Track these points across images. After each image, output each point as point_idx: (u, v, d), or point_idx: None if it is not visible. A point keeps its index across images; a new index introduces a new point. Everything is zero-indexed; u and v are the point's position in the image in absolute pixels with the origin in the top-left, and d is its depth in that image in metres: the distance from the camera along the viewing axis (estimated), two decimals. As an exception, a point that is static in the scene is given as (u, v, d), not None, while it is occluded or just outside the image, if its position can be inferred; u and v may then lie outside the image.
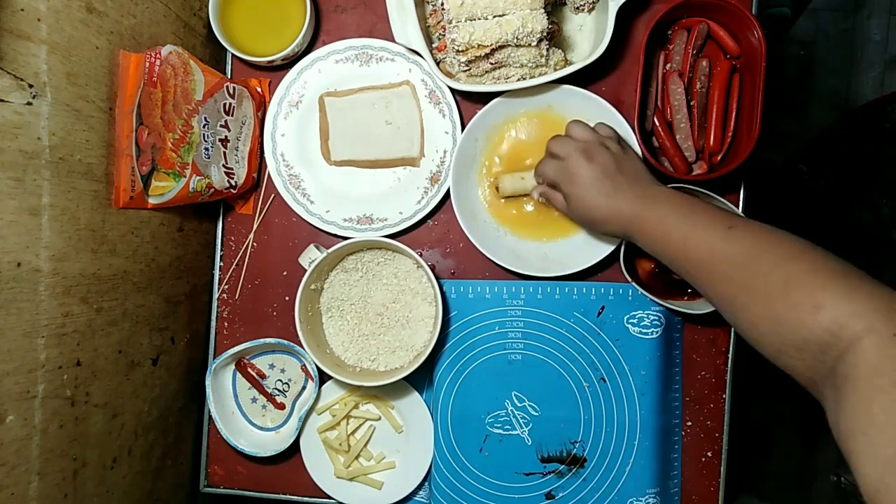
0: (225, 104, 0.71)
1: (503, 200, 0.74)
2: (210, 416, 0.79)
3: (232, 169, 0.74)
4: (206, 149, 0.70)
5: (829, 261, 0.45)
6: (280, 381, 0.79)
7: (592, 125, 0.65)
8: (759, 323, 0.46)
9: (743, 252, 0.49)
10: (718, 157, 0.72)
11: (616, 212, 0.58)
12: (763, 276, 0.46)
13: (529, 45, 0.66)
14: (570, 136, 0.63)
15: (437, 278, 0.71)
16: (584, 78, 0.72)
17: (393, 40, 0.71)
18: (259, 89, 0.77)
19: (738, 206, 0.74)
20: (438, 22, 0.72)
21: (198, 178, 0.69)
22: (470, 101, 0.76)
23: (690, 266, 0.53)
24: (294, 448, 0.77)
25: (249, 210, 0.80)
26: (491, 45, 0.65)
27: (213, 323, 0.81)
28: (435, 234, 0.78)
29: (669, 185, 0.68)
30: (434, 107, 0.75)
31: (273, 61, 0.73)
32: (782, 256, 0.47)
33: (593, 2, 0.73)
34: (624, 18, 0.72)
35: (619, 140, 0.64)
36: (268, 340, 0.76)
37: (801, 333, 0.43)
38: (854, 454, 0.37)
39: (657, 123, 0.72)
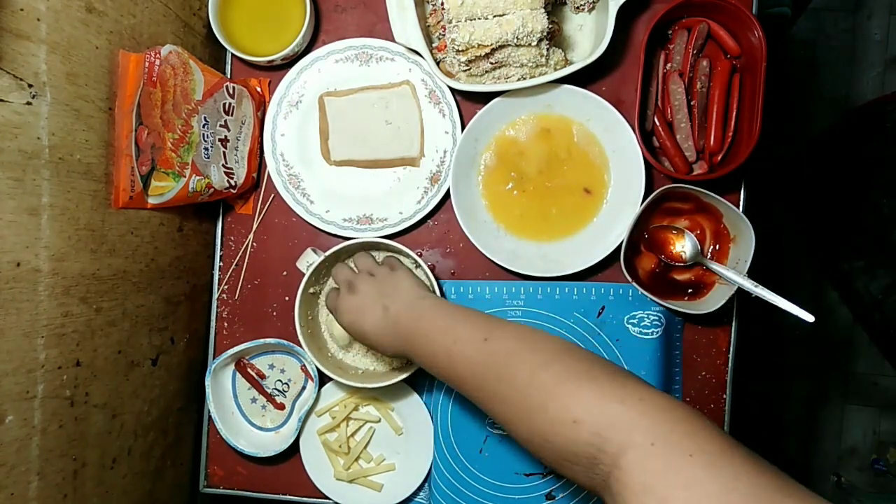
0: (224, 104, 0.71)
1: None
2: (210, 417, 0.79)
3: (231, 169, 0.74)
4: (206, 149, 0.70)
5: (580, 363, 0.45)
6: (280, 381, 0.79)
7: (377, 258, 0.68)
8: (530, 438, 0.45)
9: (500, 366, 0.48)
10: (719, 157, 0.72)
11: (385, 335, 0.58)
12: (522, 391, 0.45)
13: (529, 44, 0.66)
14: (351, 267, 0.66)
15: (437, 278, 0.71)
16: (585, 78, 0.72)
17: (393, 40, 0.71)
18: (259, 89, 0.77)
19: (738, 206, 0.74)
20: (438, 21, 0.72)
21: (197, 177, 0.69)
22: (470, 101, 0.76)
23: (461, 383, 0.51)
24: (294, 449, 0.77)
25: (249, 210, 0.80)
26: (491, 44, 0.65)
27: (213, 323, 0.81)
28: (435, 234, 0.78)
29: (668, 187, 0.68)
30: (434, 106, 0.75)
31: (273, 61, 0.73)
32: (535, 366, 0.46)
33: (593, 1, 0.73)
34: (624, 18, 0.72)
35: (394, 264, 0.65)
36: (267, 341, 0.76)
37: (568, 448, 0.42)
38: None
39: (657, 123, 0.72)
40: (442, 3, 0.66)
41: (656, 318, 0.73)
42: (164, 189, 0.66)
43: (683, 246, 0.71)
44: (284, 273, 0.79)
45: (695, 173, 0.72)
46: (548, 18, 0.65)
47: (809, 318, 0.64)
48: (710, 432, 0.38)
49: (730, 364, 0.76)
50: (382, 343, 0.59)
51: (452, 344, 0.52)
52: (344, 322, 0.62)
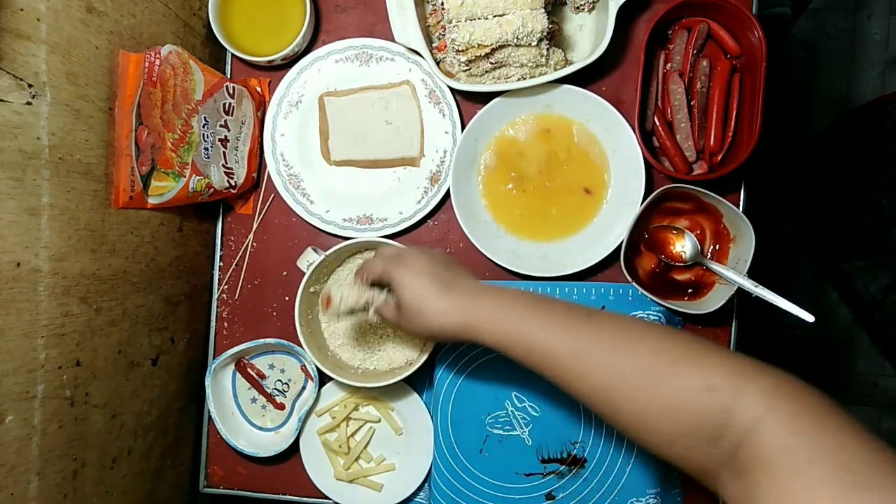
0: (224, 104, 0.71)
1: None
2: (210, 417, 0.79)
3: (231, 169, 0.74)
4: (206, 149, 0.70)
5: (704, 342, 0.43)
6: (280, 381, 0.79)
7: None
8: (646, 412, 0.42)
9: (615, 336, 0.45)
10: (719, 157, 0.72)
11: (454, 305, 0.51)
12: (648, 358, 0.43)
13: (529, 44, 0.66)
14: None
15: (437, 278, 0.71)
16: (585, 78, 0.72)
17: (393, 40, 0.71)
18: (259, 89, 0.77)
19: (738, 206, 0.74)
20: (438, 21, 0.72)
21: (197, 177, 0.69)
22: (470, 101, 0.76)
23: (556, 359, 0.47)
24: (294, 449, 0.77)
25: (249, 210, 0.80)
26: (491, 44, 0.65)
27: (213, 323, 0.81)
28: (435, 234, 0.78)
29: (668, 187, 0.68)
30: (434, 106, 0.75)
31: (273, 61, 0.73)
32: (658, 336, 0.44)
33: (593, 1, 0.73)
34: (624, 18, 0.72)
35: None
36: (267, 341, 0.76)
37: (694, 418, 0.40)
38: None
39: (657, 123, 0.72)
40: (442, 3, 0.66)
41: (656, 318, 0.73)
42: (164, 189, 0.66)
43: (683, 246, 0.71)
44: (284, 273, 0.79)
45: (695, 173, 0.72)
46: (548, 18, 0.65)
47: (809, 318, 0.64)
48: (845, 413, 0.37)
49: (730, 364, 0.76)
50: (442, 323, 0.52)
51: (550, 317, 0.48)
52: (406, 298, 0.53)
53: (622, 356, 0.44)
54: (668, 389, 0.41)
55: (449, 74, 0.71)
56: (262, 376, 0.79)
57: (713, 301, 0.69)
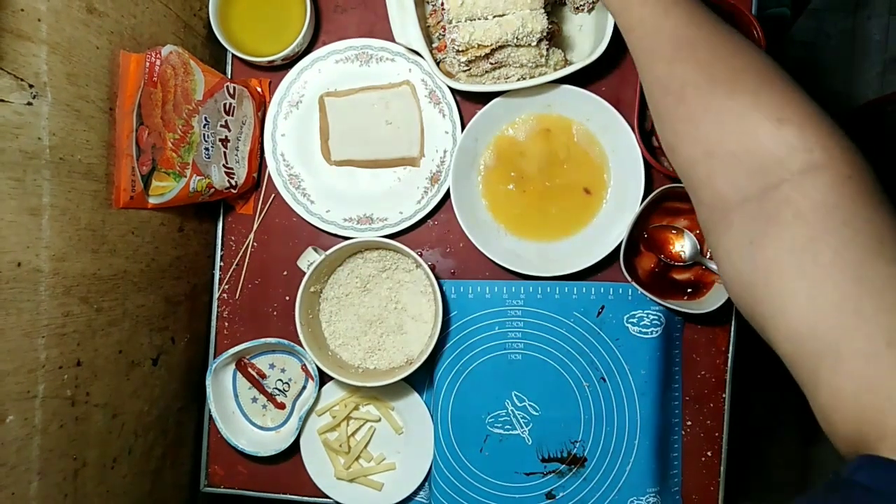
0: (225, 104, 0.71)
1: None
2: (210, 416, 0.79)
3: (232, 169, 0.74)
4: (207, 149, 0.70)
5: (798, 87, 0.42)
6: (280, 380, 0.79)
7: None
8: (708, 114, 0.40)
9: (716, 36, 0.43)
10: (718, 157, 0.72)
11: None
12: (734, 69, 0.41)
13: (529, 44, 0.66)
14: None
15: (437, 278, 0.71)
16: (584, 78, 0.72)
17: (393, 40, 0.71)
18: (259, 89, 0.77)
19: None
20: (438, 22, 0.72)
21: (198, 177, 0.69)
22: (470, 101, 0.76)
23: (659, 36, 0.45)
24: (294, 448, 0.77)
25: (250, 210, 0.80)
26: (491, 44, 0.65)
27: (214, 323, 0.81)
28: (435, 234, 0.78)
29: (667, 186, 0.68)
30: (434, 107, 0.75)
31: (273, 61, 0.73)
32: (755, 57, 0.42)
33: (593, 1, 0.73)
34: (624, 18, 0.72)
35: None
36: (268, 340, 0.76)
37: (750, 138, 0.38)
38: (786, 294, 0.34)
39: (657, 123, 0.72)
40: (442, 4, 0.66)
41: (656, 317, 0.73)
42: (164, 189, 0.66)
43: (683, 245, 0.71)
44: (285, 273, 0.80)
45: (694, 173, 0.72)
46: (547, 19, 0.65)
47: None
48: (886, 196, 0.37)
49: (729, 363, 0.76)
50: None
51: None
52: None
53: (713, 54, 0.42)
54: (741, 101, 0.40)
55: (449, 74, 0.71)
56: (263, 376, 0.79)
57: (712, 300, 0.69)
